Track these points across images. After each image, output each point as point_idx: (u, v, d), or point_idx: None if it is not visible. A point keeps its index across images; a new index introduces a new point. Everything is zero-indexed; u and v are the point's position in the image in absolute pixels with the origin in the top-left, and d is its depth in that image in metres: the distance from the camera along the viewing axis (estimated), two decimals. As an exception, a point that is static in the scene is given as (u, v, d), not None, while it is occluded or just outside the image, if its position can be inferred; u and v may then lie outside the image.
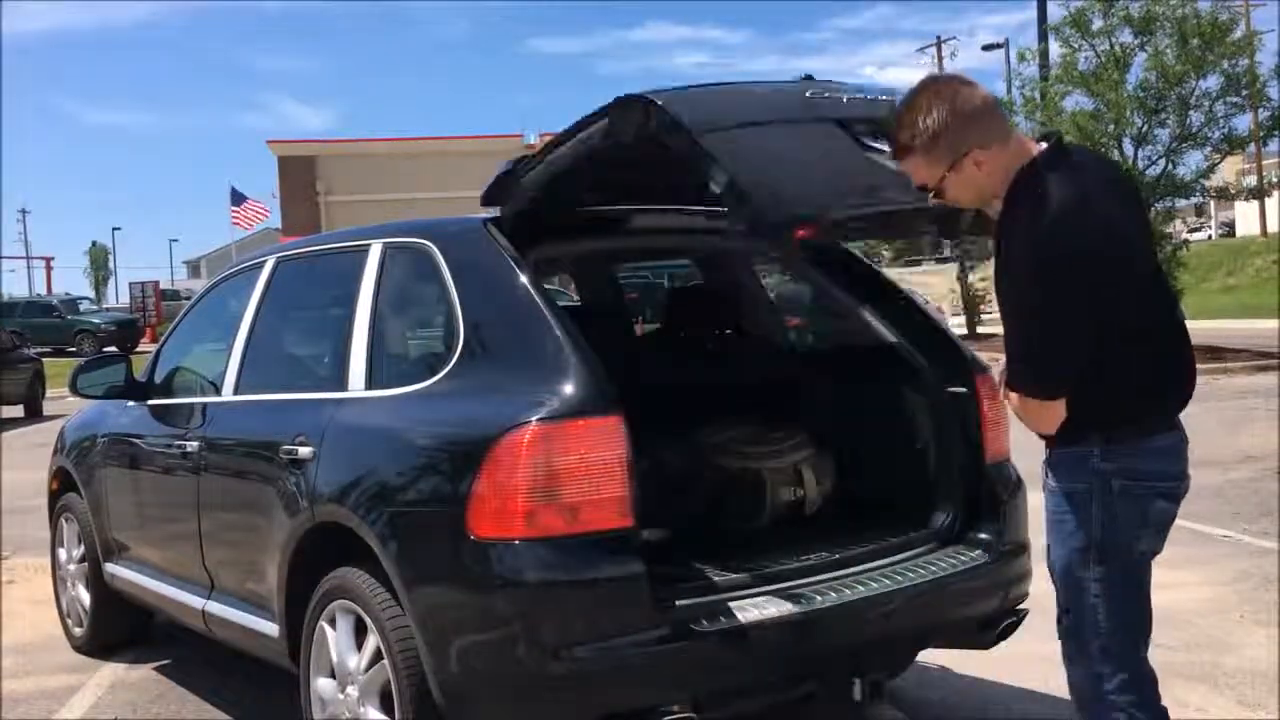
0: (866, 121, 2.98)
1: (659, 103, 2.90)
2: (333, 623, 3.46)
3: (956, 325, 22.72)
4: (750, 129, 2.92)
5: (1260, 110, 19.74)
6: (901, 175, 2.70)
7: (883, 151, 2.84)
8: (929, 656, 4.42)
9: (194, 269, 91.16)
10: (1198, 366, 2.80)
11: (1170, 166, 18.93)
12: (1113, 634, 2.71)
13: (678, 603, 3.07)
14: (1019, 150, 2.60)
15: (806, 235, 2.74)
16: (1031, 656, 4.72)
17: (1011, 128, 2.63)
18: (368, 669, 3.31)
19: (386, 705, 3.25)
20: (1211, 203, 34.79)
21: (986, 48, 39.74)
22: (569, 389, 3.01)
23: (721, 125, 2.85)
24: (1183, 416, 2.78)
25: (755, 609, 3.13)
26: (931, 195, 2.66)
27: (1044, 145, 2.62)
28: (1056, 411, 2.59)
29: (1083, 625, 2.73)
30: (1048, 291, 2.48)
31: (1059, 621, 2.84)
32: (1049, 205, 2.47)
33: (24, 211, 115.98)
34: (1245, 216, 51.17)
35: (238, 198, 38.54)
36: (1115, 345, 2.56)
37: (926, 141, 2.57)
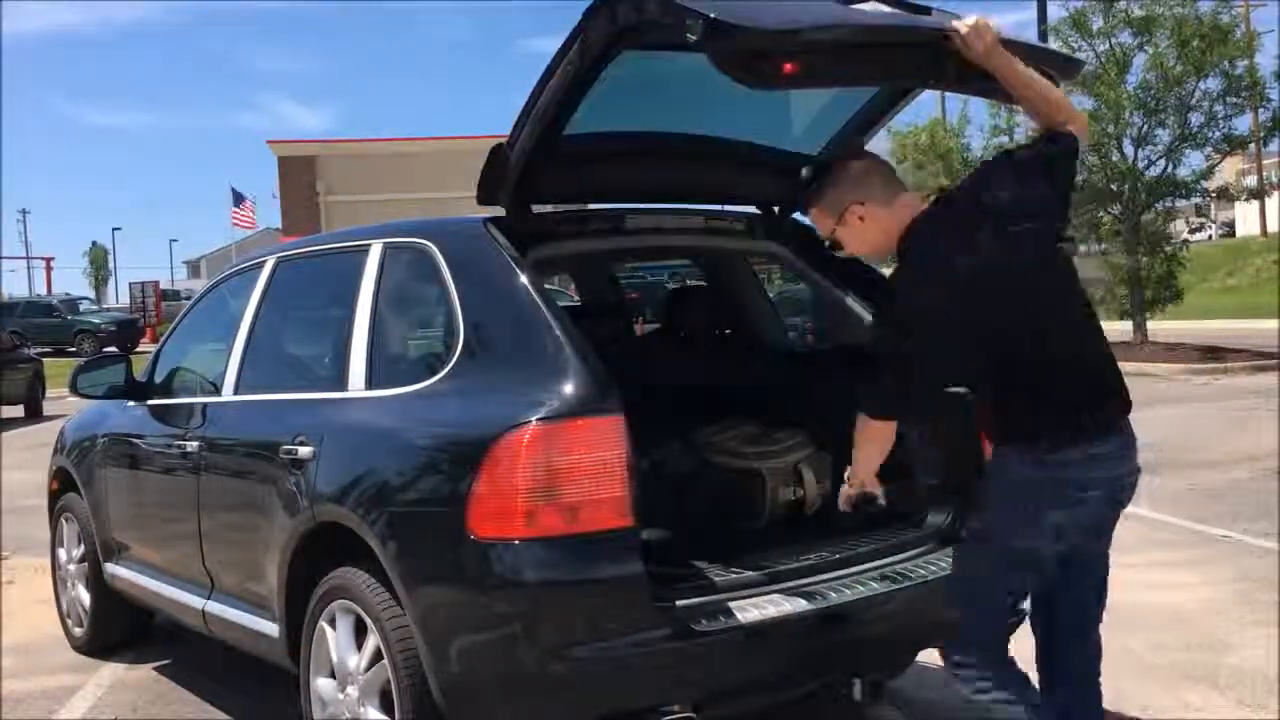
0: None
1: None
2: (333, 623, 3.46)
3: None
4: None
5: (1260, 111, 19.74)
6: (878, 10, 2.91)
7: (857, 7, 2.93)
8: (929, 656, 4.42)
9: (194, 269, 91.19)
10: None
11: (1170, 167, 18.95)
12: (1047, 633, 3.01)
13: (678, 603, 3.07)
14: (901, 213, 2.92)
15: (794, 70, 2.74)
16: (1031, 656, 4.73)
17: (896, 193, 2.96)
18: (368, 669, 3.31)
19: (386, 705, 3.25)
20: (1211, 203, 34.81)
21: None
22: (569, 389, 3.00)
23: None
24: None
25: (755, 609, 3.13)
26: (832, 246, 3.10)
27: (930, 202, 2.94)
28: (879, 433, 2.97)
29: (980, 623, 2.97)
30: (905, 339, 2.81)
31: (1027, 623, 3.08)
32: (905, 270, 2.85)
33: (24, 211, 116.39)
34: (1245, 217, 51.18)
35: (239, 198, 38.62)
36: (1032, 365, 2.81)
37: (820, 196, 3.01)
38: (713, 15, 2.65)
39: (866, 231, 2.96)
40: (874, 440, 3.01)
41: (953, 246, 2.79)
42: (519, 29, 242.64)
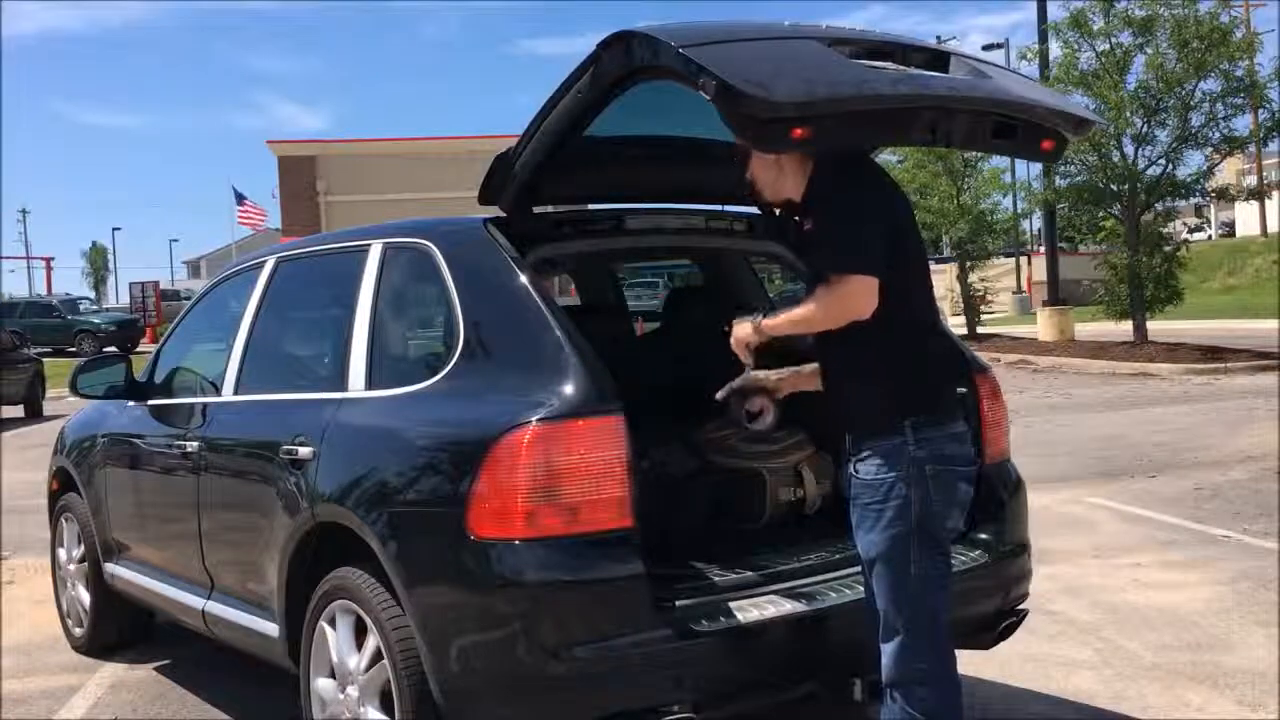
0: (849, 43, 3.01)
1: (640, 30, 2.94)
2: (333, 623, 3.46)
3: (956, 325, 22.73)
4: (735, 44, 2.95)
5: (1260, 111, 19.73)
6: (892, 74, 2.91)
7: (872, 67, 2.94)
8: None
9: (194, 269, 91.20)
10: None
11: (1170, 167, 18.94)
12: (932, 611, 2.95)
13: (678, 603, 3.07)
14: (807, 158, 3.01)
15: (804, 135, 2.76)
16: (1031, 656, 4.73)
17: None
18: (368, 669, 3.31)
19: (386, 705, 3.25)
20: (1211, 203, 34.80)
21: (987, 47, 39.68)
22: (569, 389, 3.01)
23: (705, 41, 2.87)
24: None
25: (755, 609, 3.14)
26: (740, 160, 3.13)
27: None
28: (858, 298, 2.84)
29: (904, 606, 2.93)
30: (848, 200, 2.91)
31: (879, 616, 3.00)
32: (848, 172, 2.97)
33: (24, 211, 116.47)
34: (1245, 217, 51.18)
35: (241, 198, 38.65)
36: (908, 335, 2.94)
37: None
38: (725, 80, 2.66)
39: (779, 160, 3.02)
40: (837, 309, 2.87)
41: (875, 170, 3.01)
42: (517, 29, 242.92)
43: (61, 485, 5.69)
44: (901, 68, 2.97)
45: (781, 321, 3.02)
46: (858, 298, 2.85)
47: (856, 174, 3.02)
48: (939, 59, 3.10)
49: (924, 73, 3.01)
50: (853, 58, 2.94)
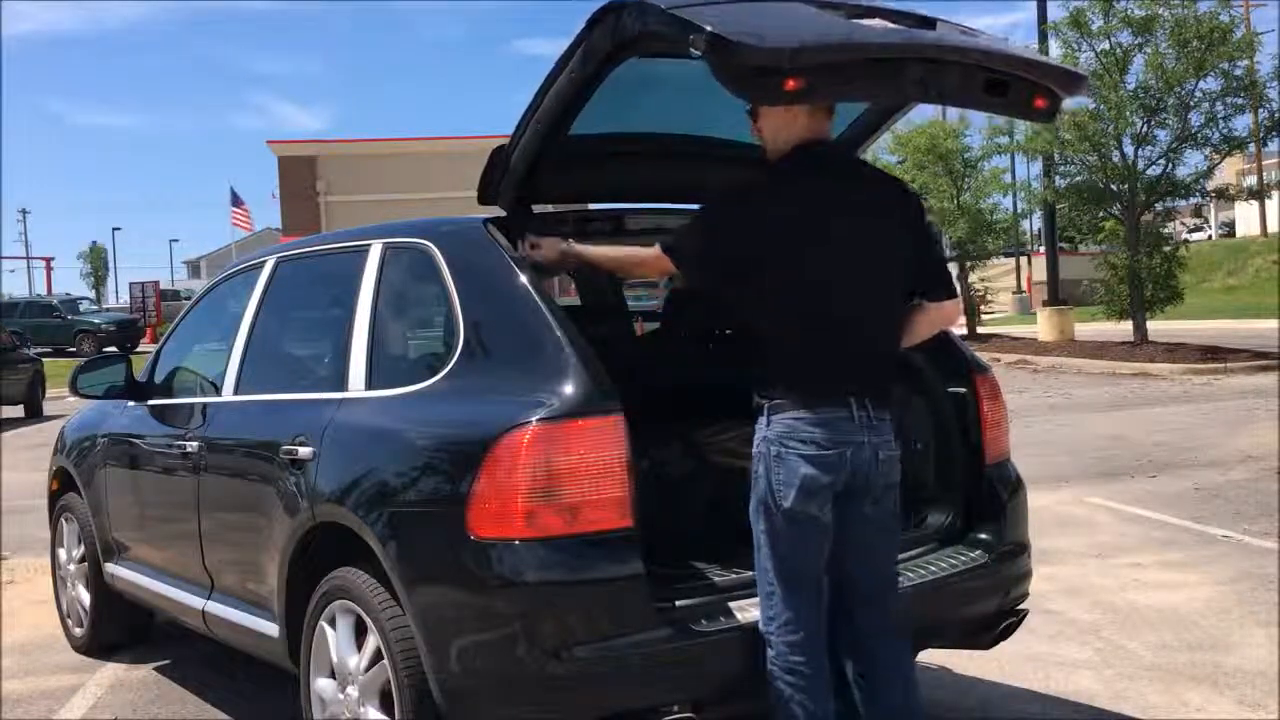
0: (836, 8, 3.01)
1: (629, 0, 2.94)
2: (333, 623, 3.46)
3: (957, 325, 22.72)
4: (723, 4, 2.94)
5: (1260, 111, 19.74)
6: (880, 28, 2.96)
7: (859, 23, 2.96)
8: (929, 656, 4.42)
9: (194, 269, 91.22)
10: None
11: (1170, 167, 18.95)
12: (775, 580, 3.06)
13: (678, 603, 3.08)
14: (802, 128, 3.09)
15: (797, 87, 2.76)
16: (1031, 656, 4.73)
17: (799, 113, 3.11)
18: (368, 669, 3.31)
19: (386, 705, 3.25)
20: (1211, 203, 34.80)
21: (986, 48, 39.59)
22: (569, 389, 3.01)
23: (693, 3, 2.87)
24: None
25: (755, 609, 3.14)
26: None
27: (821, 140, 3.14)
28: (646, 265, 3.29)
29: (766, 568, 3.10)
30: (725, 207, 3.12)
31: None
32: (758, 178, 3.12)
33: (24, 211, 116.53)
34: (1245, 217, 51.19)
35: (238, 199, 38.67)
36: (782, 326, 3.07)
37: None
38: (716, 31, 2.66)
39: (769, 120, 3.12)
40: (630, 262, 3.35)
41: (797, 189, 3.05)
42: (514, 30, 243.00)
43: (61, 485, 5.69)
44: (889, 24, 2.99)
45: (599, 250, 3.38)
46: (646, 265, 3.28)
47: (783, 178, 3.09)
48: (925, 22, 3.11)
49: (916, 26, 3.03)
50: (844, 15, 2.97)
